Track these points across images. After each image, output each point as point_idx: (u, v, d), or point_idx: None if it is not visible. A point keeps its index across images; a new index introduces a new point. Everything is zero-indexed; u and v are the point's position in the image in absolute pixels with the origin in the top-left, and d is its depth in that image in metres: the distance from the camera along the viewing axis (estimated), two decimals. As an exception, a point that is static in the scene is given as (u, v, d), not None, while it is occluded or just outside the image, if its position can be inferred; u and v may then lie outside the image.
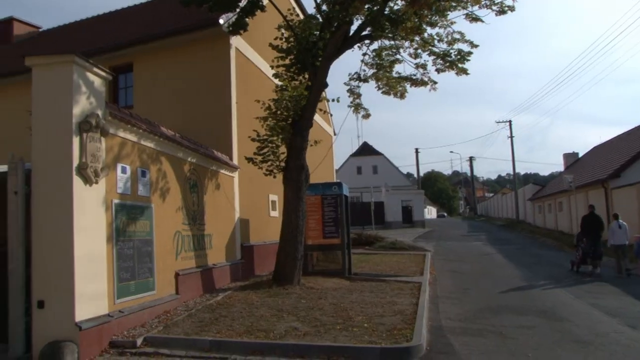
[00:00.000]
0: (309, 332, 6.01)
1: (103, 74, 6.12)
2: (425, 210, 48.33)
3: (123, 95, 12.53)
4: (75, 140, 5.63)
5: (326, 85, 9.68)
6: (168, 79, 11.61)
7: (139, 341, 5.88)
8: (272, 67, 10.39)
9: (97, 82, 6.06)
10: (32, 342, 5.46)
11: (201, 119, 10.97)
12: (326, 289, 8.94)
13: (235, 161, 10.87)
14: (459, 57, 9.36)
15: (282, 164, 9.91)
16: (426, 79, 9.95)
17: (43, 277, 5.51)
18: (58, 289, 5.42)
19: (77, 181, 5.61)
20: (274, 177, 10.26)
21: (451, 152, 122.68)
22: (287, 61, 9.95)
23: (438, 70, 9.57)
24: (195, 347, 5.70)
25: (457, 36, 9.46)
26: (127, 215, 6.61)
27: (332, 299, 8.01)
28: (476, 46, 9.36)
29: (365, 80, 10.42)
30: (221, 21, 10.56)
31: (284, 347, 5.51)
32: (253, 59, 12.45)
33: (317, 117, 13.87)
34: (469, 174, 65.26)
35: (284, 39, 9.99)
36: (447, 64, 9.44)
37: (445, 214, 73.22)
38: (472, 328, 6.75)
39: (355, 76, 10.48)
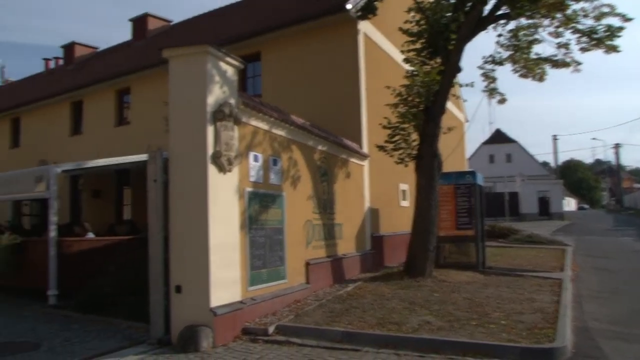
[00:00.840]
0: (442, 327, 5.61)
1: (235, 63, 5.90)
2: (564, 201, 43.51)
3: (251, 84, 12.56)
4: (210, 129, 5.48)
5: (459, 69, 8.99)
6: (296, 66, 11.28)
7: (271, 329, 5.69)
8: (402, 52, 9.81)
9: (229, 71, 5.86)
10: (171, 324, 5.45)
11: (330, 107, 10.60)
12: (459, 282, 8.34)
13: (364, 149, 10.40)
14: (607, 33, 8.26)
15: (414, 151, 9.34)
16: (568, 60, 8.99)
17: (180, 263, 5.45)
18: (194, 274, 5.33)
19: (211, 169, 5.46)
20: (406, 165, 9.69)
21: (593, 139, 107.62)
22: (417, 45, 9.41)
23: (582, 50, 8.56)
24: (326, 337, 5.42)
25: (606, 9, 8.31)
26: (259, 203, 6.42)
27: (465, 293, 7.42)
28: (629, 20, 8.13)
29: (500, 63, 9.60)
30: (349, 6, 10.12)
31: (418, 342, 5.13)
32: (382, 44, 11.74)
33: (448, 104, 12.89)
34: (613, 162, 57.28)
35: (414, 22, 9.42)
36: (594, 41, 8.40)
37: (587, 206, 65.26)
38: (625, 332, 5.84)
39: (489, 59, 9.69)
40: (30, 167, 11.81)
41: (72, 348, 5.36)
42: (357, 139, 10.27)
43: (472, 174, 10.61)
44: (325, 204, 8.46)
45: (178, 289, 5.37)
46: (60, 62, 25.69)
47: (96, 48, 23.64)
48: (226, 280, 5.54)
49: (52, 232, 8.09)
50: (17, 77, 35.99)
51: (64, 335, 5.94)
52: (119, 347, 5.33)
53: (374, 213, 10.62)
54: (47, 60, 26.22)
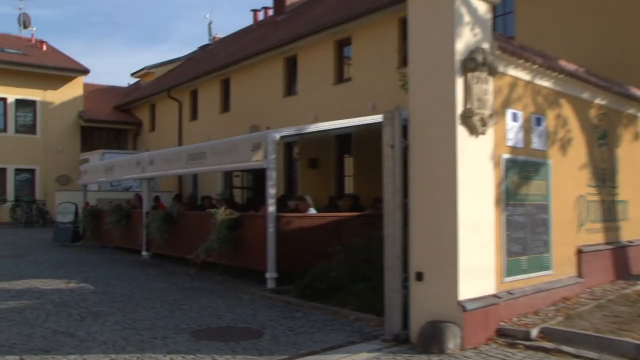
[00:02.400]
0: None
1: (489, -3, 6.03)
2: None
3: (501, 24, 12.42)
4: (459, 82, 5.74)
5: None
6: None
7: (534, 332, 5.82)
8: None
9: (481, 8, 5.99)
10: (410, 318, 5.99)
11: (612, 46, 10.07)
12: None
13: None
14: None
15: None
16: None
17: (422, 245, 5.92)
18: (439, 259, 5.73)
19: (460, 132, 5.73)
20: None
21: None
22: None
23: None
24: (612, 350, 5.30)
25: None
26: (518, 173, 6.53)
27: None
28: None
29: None
30: None
31: None
32: None
33: None
34: None
35: None
36: None
37: None
38: None
39: None
40: (241, 134, 14.20)
41: (296, 339, 6.24)
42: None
43: None
44: (604, 175, 8.30)
45: (419, 277, 5.86)
46: (270, 12, 29.48)
47: (309, -8, 25.90)
48: (478, 267, 5.82)
49: (271, 207, 9.76)
50: (224, 32, 42.80)
51: (286, 324, 6.99)
52: (348, 341, 6.03)
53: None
54: (255, 11, 29.86)
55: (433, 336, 5.58)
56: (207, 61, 28.12)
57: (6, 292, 9.24)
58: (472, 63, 5.75)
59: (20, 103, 29.40)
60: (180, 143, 26.76)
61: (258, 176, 21.17)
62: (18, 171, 29.26)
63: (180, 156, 12.62)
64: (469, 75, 5.79)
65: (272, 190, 9.82)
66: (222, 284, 10.32)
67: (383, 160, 6.18)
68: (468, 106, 5.78)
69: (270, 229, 9.68)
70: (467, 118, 5.77)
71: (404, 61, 15.40)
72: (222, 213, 10.49)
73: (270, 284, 9.61)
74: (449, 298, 5.68)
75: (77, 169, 26.73)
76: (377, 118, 8.12)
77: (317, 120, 17.22)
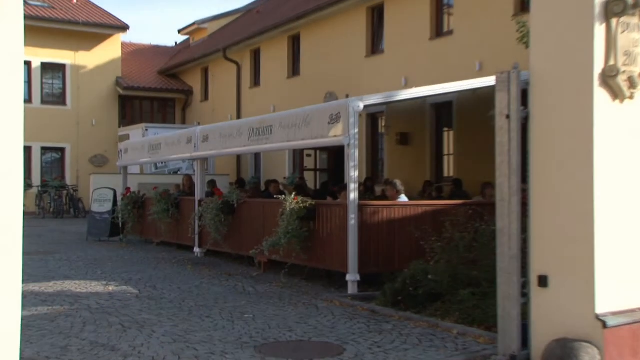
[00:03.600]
0: None
1: None
2: None
3: None
4: (599, 31, 5.62)
5: None
6: None
7: None
8: None
9: None
10: (530, 334, 5.95)
11: None
12: None
13: None
14: None
15: None
16: None
17: (546, 242, 5.85)
18: (569, 260, 5.67)
19: (600, 96, 5.63)
20: None
21: None
22: None
23: None
24: None
25: None
26: None
27: None
28: None
29: None
30: None
31: None
32: None
33: None
34: None
35: None
36: None
37: None
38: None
39: None
40: (314, 103, 14.42)
41: (385, 357, 6.35)
42: None
43: None
44: None
45: (543, 282, 5.78)
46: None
47: None
48: (623, 271, 5.70)
49: (353, 193, 9.85)
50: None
51: (372, 338, 7.10)
52: (450, 362, 6.11)
53: None
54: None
55: (562, 359, 5.52)
56: (271, 14, 28.50)
57: (35, 296, 9.80)
58: (618, 5, 5.56)
59: (46, 67, 30.51)
60: (239, 115, 27.38)
61: (335, 155, 21.37)
62: (45, 150, 30.44)
63: (241, 131, 12.98)
64: (614, 21, 5.60)
65: (354, 173, 9.95)
66: (292, 288, 10.59)
67: (495, 134, 6.14)
68: (611, 62, 5.60)
69: (352, 220, 9.83)
70: (609, 78, 5.61)
71: (522, 6, 15.07)
72: (292, 201, 10.72)
73: (352, 289, 9.79)
74: (583, 310, 5.59)
75: (116, 147, 28.00)
76: (488, 81, 8.05)
77: (408, 85, 17.15)
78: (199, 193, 14.83)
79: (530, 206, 6.01)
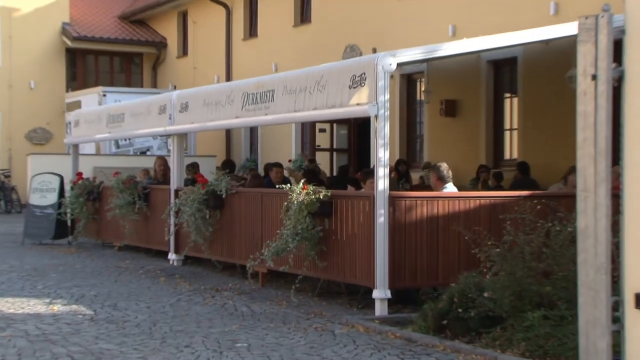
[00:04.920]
0: None
1: None
2: None
3: None
4: None
5: None
6: None
7: None
8: None
9: None
10: None
11: None
12: None
13: None
14: None
15: None
16: None
17: (643, 248, 5.83)
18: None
19: None
20: None
21: None
22: None
23: None
24: None
25: None
26: None
27: None
28: None
29: None
30: None
31: None
32: None
33: None
34: None
35: None
36: None
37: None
38: None
39: None
40: (330, 60, 14.35)
41: None
42: None
43: None
44: None
45: None
46: None
47: None
48: None
49: (382, 181, 9.83)
50: None
51: None
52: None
53: None
54: None
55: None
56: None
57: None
58: None
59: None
60: (228, 76, 27.48)
61: (358, 131, 21.35)
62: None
63: (231, 98, 12.99)
64: None
65: (383, 154, 9.94)
66: (300, 307, 10.63)
67: (577, 101, 6.10)
68: None
69: (381, 217, 9.83)
70: None
71: None
72: (301, 191, 10.73)
73: (380, 310, 9.80)
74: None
75: (62, 118, 28.03)
76: (566, 29, 7.95)
77: (457, 35, 17.07)
78: (175, 180, 14.89)
79: (623, 199, 5.96)
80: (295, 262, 10.82)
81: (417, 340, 8.46)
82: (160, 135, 19.49)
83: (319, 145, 23.60)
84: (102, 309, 10.55)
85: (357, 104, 10.21)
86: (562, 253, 8.17)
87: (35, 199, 18.91)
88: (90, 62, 33.41)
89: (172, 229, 14.68)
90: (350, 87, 10.30)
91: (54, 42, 31.72)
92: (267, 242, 11.08)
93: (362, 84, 10.11)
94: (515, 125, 18.11)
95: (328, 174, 20.80)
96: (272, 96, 11.83)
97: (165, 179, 15.80)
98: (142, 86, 32.62)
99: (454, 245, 10.02)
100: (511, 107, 18.37)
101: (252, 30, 27.43)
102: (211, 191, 13.38)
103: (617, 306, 6.00)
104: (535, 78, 16.65)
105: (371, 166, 10.61)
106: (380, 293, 9.81)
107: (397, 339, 8.64)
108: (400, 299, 10.03)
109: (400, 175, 16.08)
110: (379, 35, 20.33)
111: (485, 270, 8.75)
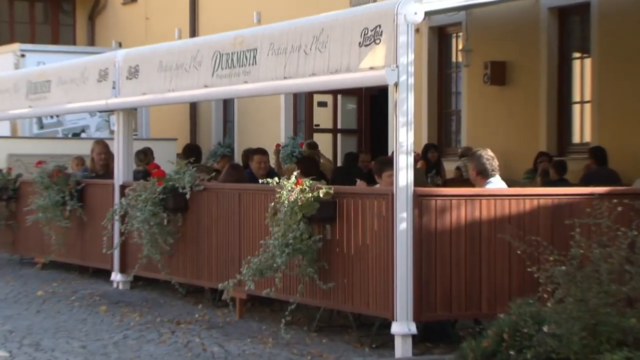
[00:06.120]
0: None
1: None
2: None
3: None
4: None
5: None
6: None
7: None
8: None
9: None
10: None
11: None
12: None
13: None
14: None
15: None
16: None
17: None
18: None
19: None
20: None
21: None
22: None
23: None
24: None
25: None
26: None
27: None
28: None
29: None
30: None
31: None
32: None
33: None
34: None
35: None
36: None
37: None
38: None
39: None
40: (334, 10, 14.40)
41: None
42: None
43: None
44: None
45: None
46: None
47: None
48: None
49: (406, 175, 9.86)
50: None
51: None
52: None
53: None
54: None
55: None
56: None
57: None
58: None
59: None
60: (193, 30, 27.64)
61: (371, 105, 21.40)
62: None
63: (198, 59, 13.01)
64: None
65: (406, 137, 9.97)
66: (293, 347, 10.67)
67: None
68: None
69: (404, 223, 9.84)
70: None
71: None
72: (293, 187, 10.78)
73: (403, 350, 9.80)
74: None
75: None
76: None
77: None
78: (121, 173, 14.93)
79: None
80: (286, 285, 10.86)
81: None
82: (101, 111, 19.48)
83: (318, 125, 23.69)
84: (19, 350, 10.58)
85: (371, 68, 10.22)
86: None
87: None
88: (2, 9, 33.41)
89: (116, 239, 14.70)
90: (360, 45, 10.31)
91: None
92: (248, 258, 11.08)
93: (377, 41, 10.11)
94: (587, 97, 18.16)
95: (331, 164, 20.85)
96: (254, 57, 11.84)
97: (107, 171, 15.81)
98: (74, 43, 32.69)
99: (503, 262, 10.04)
100: (582, 72, 18.41)
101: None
102: (170, 188, 13.44)
103: None
104: (615, 32, 16.69)
105: (389, 153, 10.60)
106: (402, 327, 9.81)
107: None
108: (429, 334, 10.06)
109: (429, 165, 16.14)
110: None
111: (545, 296, 8.77)
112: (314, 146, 20.26)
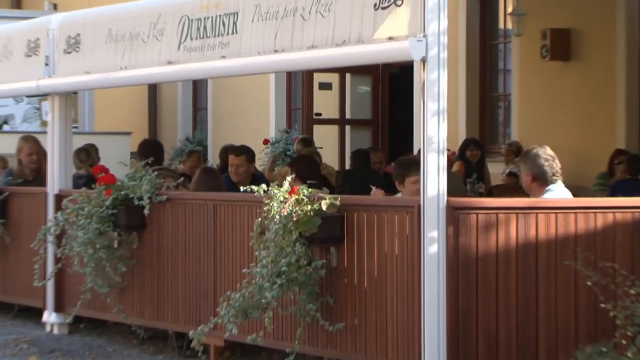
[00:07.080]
0: None
1: None
2: None
3: None
4: None
5: None
6: None
7: None
8: None
9: None
10: None
11: None
12: None
13: None
14: None
15: None
16: None
17: None
18: None
19: None
20: None
21: None
22: None
23: None
24: None
25: None
26: None
27: None
28: None
29: None
30: None
31: None
32: None
33: None
34: None
35: None
36: None
37: None
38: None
39: None
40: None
41: None
42: None
43: None
44: None
45: None
46: None
47: None
48: None
49: (435, 179, 9.86)
50: None
51: None
52: None
53: None
54: None
55: None
56: None
57: None
58: None
59: None
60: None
61: (390, 87, 21.53)
62: None
63: (160, 27, 13.12)
64: None
65: (438, 130, 10.01)
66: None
67: None
68: None
69: (434, 245, 9.88)
70: None
71: None
72: (286, 197, 10.85)
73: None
74: None
75: None
76: None
77: None
78: (56, 178, 14.99)
79: None
80: (279, 328, 10.90)
81: None
82: (29, 96, 19.56)
83: (320, 114, 23.75)
84: None
85: (389, 38, 10.21)
86: None
87: None
88: None
89: (50, 268, 14.75)
90: (376, 8, 10.29)
91: None
92: (227, 294, 11.10)
93: (399, 2, 10.09)
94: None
95: (337, 166, 20.92)
96: (235, 24, 11.88)
97: (39, 175, 15.88)
98: (-2, 6, 32.81)
99: (567, 296, 10.05)
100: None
101: None
102: (122, 199, 13.49)
103: None
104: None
105: (415, 152, 10.65)
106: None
107: None
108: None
109: (469, 168, 16.23)
110: None
111: (624, 342, 8.82)
112: (308, 142, 20.25)
